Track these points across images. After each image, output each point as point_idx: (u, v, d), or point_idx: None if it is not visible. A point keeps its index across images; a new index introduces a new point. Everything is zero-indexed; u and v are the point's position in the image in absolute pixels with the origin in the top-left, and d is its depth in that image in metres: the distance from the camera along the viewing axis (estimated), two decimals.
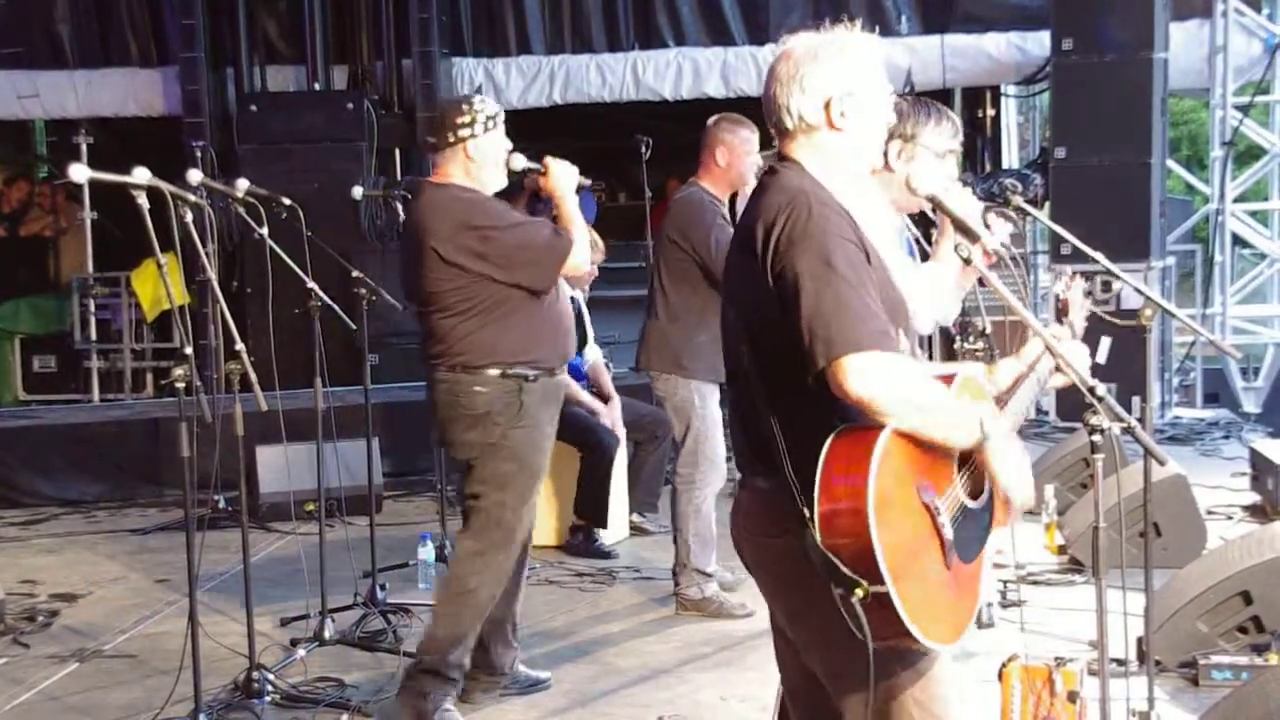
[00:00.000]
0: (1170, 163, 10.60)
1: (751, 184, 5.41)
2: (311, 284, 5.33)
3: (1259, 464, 7.22)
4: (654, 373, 5.89)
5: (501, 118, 4.67)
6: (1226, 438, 9.33)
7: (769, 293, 2.62)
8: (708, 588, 5.83)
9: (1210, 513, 6.82)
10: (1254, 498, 7.28)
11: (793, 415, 2.63)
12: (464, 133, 4.59)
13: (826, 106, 2.74)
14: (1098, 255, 4.00)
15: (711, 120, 5.83)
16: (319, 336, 5.37)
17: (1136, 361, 4.83)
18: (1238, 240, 10.95)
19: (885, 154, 3.89)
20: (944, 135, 3.72)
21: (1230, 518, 7.05)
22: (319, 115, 10.54)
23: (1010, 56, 10.38)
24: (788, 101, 2.76)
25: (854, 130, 2.77)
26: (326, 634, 5.42)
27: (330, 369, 5.47)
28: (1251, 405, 10.62)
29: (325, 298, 5.35)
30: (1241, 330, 10.79)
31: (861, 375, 2.48)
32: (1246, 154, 11.75)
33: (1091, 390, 2.64)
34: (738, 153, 5.69)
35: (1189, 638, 4.85)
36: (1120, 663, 4.70)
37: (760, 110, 2.88)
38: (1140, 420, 4.27)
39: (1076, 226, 4.30)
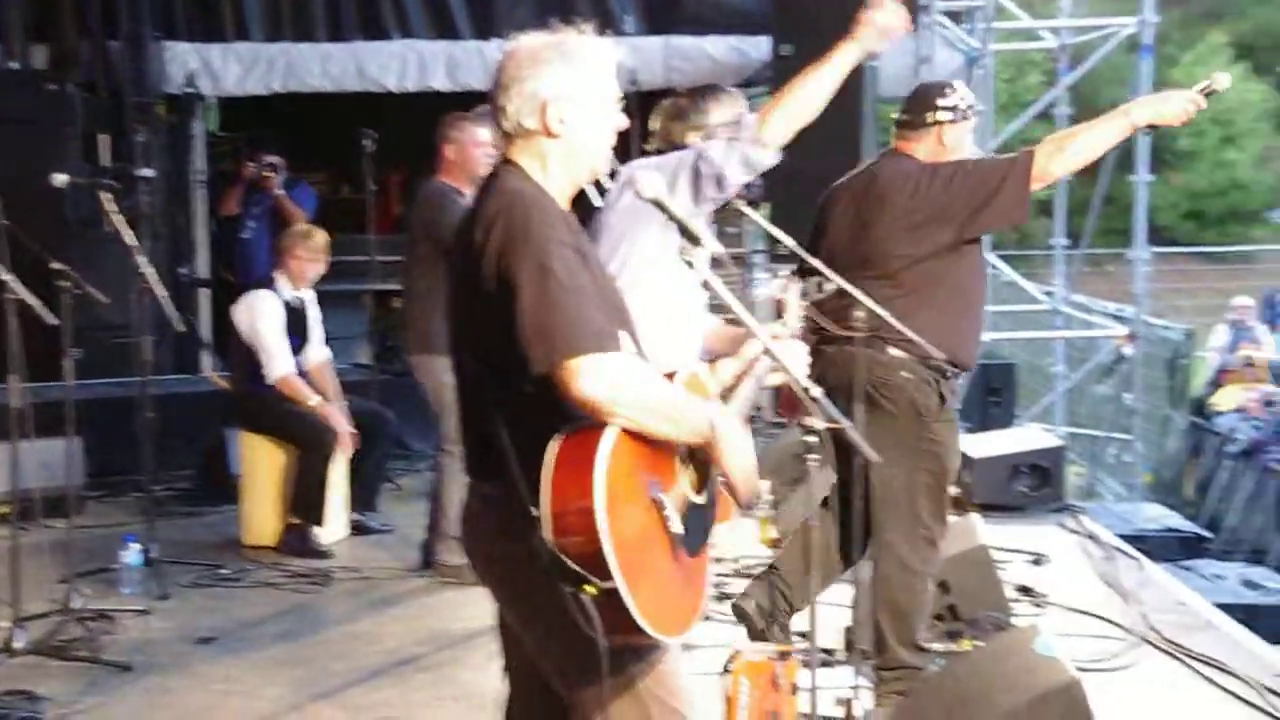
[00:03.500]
0: None
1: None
2: (6, 275, 5.05)
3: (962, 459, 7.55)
4: (413, 356, 6.08)
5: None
6: None
7: (488, 296, 2.59)
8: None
9: None
10: (952, 490, 7.60)
11: (518, 417, 2.61)
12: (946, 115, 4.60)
13: (545, 111, 2.71)
14: (813, 259, 4.12)
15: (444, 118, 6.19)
16: (14, 329, 5.09)
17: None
18: None
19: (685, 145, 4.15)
20: (727, 107, 4.22)
21: None
22: (17, 96, 9.93)
23: (731, 59, 10.59)
24: (507, 105, 2.73)
25: (574, 136, 2.74)
26: (17, 644, 5.12)
27: (29, 364, 5.19)
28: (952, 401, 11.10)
29: (22, 289, 5.07)
30: None
31: (585, 377, 2.48)
32: None
33: (806, 391, 2.70)
34: (464, 147, 6.04)
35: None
36: (829, 652, 4.86)
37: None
38: (852, 419, 4.45)
39: (793, 228, 4.40)
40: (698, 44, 10.55)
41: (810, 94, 4.00)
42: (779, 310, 3.35)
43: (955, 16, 10.82)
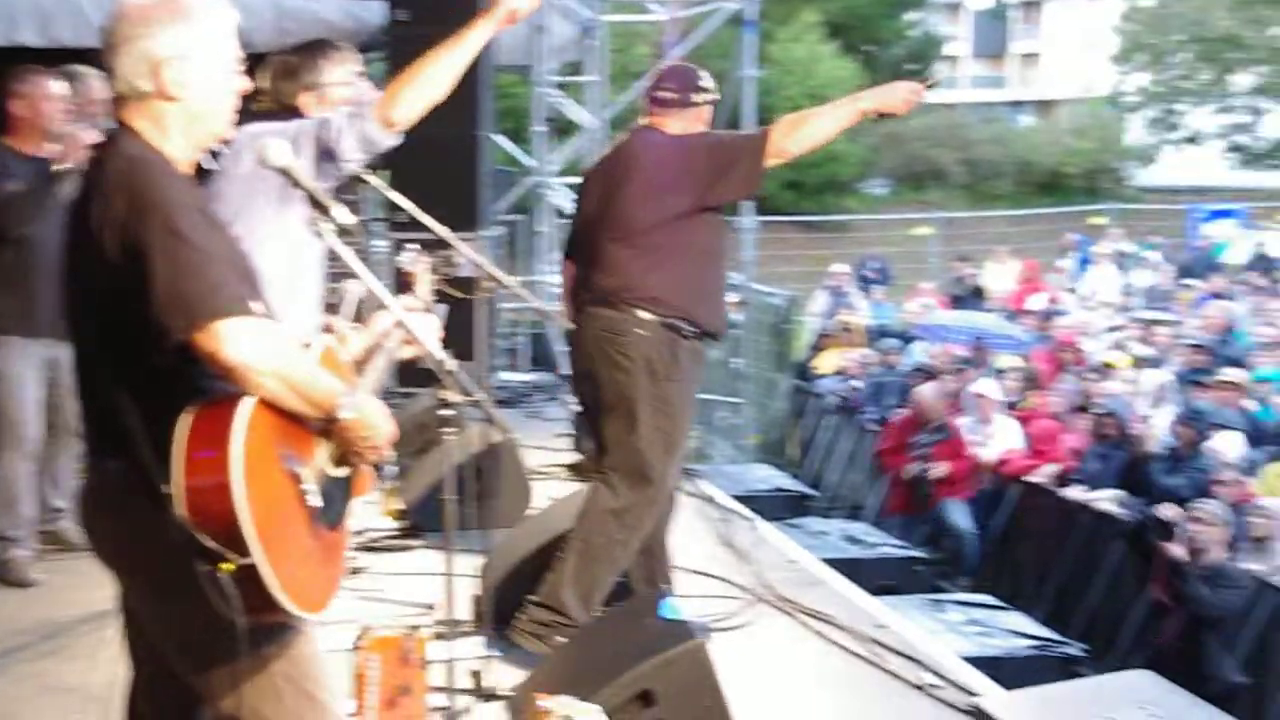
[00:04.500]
0: (495, 136, 11.03)
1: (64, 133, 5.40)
2: None
3: (579, 426, 7.66)
4: None
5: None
6: (550, 400, 9.83)
7: (112, 269, 2.46)
8: (8, 551, 5.65)
9: (537, 473, 7.15)
10: (576, 457, 7.73)
11: (147, 391, 2.52)
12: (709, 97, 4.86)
13: (159, 73, 2.59)
14: (441, 227, 4.08)
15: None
16: None
17: (467, 328, 4.98)
18: (558, 211, 11.60)
19: (299, 108, 3.97)
20: (341, 66, 4.17)
21: (555, 477, 7.42)
22: None
23: (345, 23, 10.32)
24: (119, 66, 2.61)
25: (192, 98, 2.63)
26: None
27: None
28: (570, 368, 11.25)
29: None
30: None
31: (229, 341, 2.40)
32: (566, 129, 12.45)
33: (442, 364, 2.67)
34: (35, 103, 5.52)
35: (523, 595, 5.04)
36: (458, 624, 4.82)
37: (86, 61, 2.67)
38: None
39: (410, 196, 4.34)
40: (310, 6, 10.24)
41: (442, 73, 3.91)
42: (408, 282, 3.29)
43: None
